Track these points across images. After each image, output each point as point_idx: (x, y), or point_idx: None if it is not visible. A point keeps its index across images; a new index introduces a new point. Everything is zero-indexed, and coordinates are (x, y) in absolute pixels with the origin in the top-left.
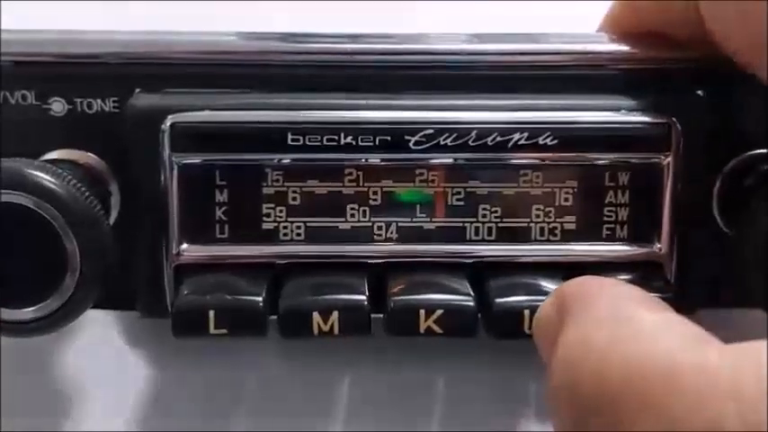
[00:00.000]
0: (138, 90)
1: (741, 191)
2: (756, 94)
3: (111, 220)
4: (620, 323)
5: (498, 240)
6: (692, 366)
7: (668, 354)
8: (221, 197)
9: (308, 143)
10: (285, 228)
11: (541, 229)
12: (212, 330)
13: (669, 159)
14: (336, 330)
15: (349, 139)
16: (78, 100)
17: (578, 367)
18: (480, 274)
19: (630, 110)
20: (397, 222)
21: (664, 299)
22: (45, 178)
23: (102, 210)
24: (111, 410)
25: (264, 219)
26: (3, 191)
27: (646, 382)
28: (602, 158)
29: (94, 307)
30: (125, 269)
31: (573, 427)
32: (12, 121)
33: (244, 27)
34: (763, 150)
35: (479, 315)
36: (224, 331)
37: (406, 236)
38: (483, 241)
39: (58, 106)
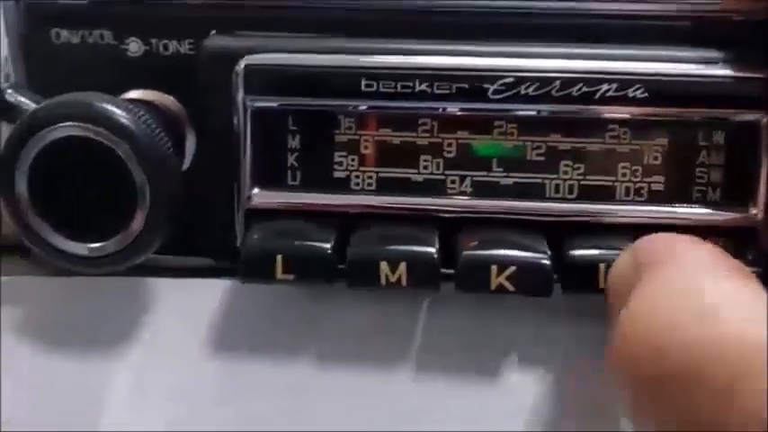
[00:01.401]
0: (213, 32)
1: None
2: None
3: (187, 162)
4: (689, 295)
5: (580, 199)
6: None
7: (734, 332)
8: (293, 143)
9: (381, 89)
10: (357, 177)
11: (627, 188)
12: (279, 275)
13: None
14: (404, 282)
15: (424, 87)
16: (154, 41)
17: (640, 342)
18: (559, 234)
19: (728, 63)
20: (471, 176)
21: (758, 269)
22: (116, 113)
23: (172, 148)
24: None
25: (336, 167)
26: (73, 123)
27: (707, 364)
28: (696, 115)
29: (167, 253)
30: (199, 213)
31: (633, 401)
32: (89, 60)
33: None
34: None
35: (555, 274)
36: (291, 277)
37: (481, 191)
38: (563, 199)
39: (134, 47)
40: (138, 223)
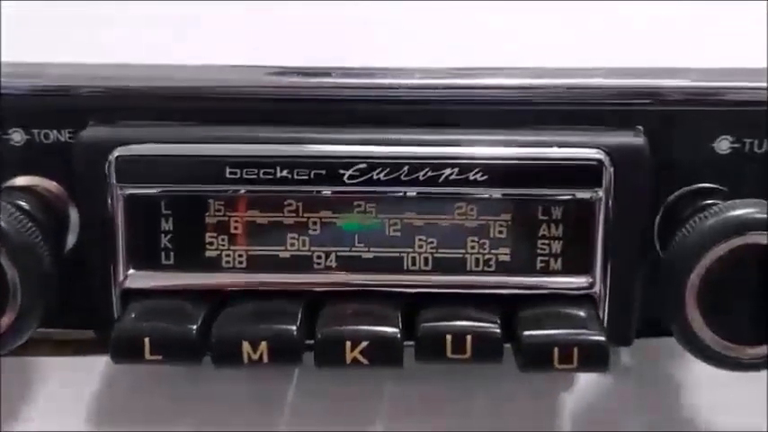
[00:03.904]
0: (91, 122)
1: (678, 223)
2: (697, 129)
3: (71, 242)
4: None
5: (434, 271)
6: None
7: None
8: (166, 225)
9: (245, 176)
10: (228, 255)
11: (477, 260)
12: (148, 356)
13: (601, 194)
14: (266, 359)
15: (285, 173)
16: (36, 131)
17: None
18: (415, 304)
19: (562, 145)
20: (336, 252)
21: (597, 332)
22: None
23: (50, 238)
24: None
25: (207, 247)
26: None
27: None
28: (534, 193)
29: (55, 326)
30: (83, 289)
31: None
32: None
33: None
34: (707, 184)
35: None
36: (159, 357)
37: (345, 265)
38: (419, 272)
39: (17, 136)
40: (8, 318)
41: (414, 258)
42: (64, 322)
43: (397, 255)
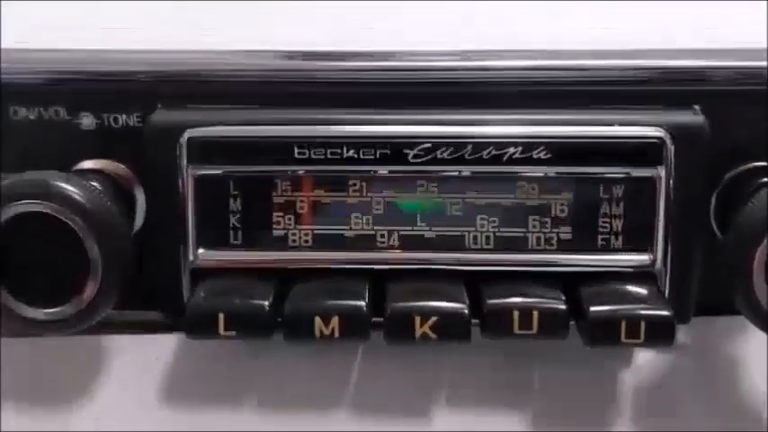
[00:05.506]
0: (159, 106)
1: (739, 200)
2: (753, 109)
3: (138, 224)
4: None
5: (496, 249)
6: None
7: None
8: (235, 206)
9: (313, 156)
10: (294, 234)
11: (538, 238)
12: (222, 332)
13: (662, 172)
14: (337, 334)
15: (351, 153)
16: (105, 115)
17: None
18: (478, 281)
19: (624, 124)
20: (398, 231)
21: (663, 307)
22: (72, 190)
23: (123, 216)
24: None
25: (275, 226)
26: (31, 201)
27: None
28: (596, 172)
29: (120, 308)
30: (151, 270)
31: None
32: (45, 134)
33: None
34: (764, 163)
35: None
36: (233, 333)
37: (408, 244)
38: (481, 250)
39: (87, 121)
40: (90, 291)
41: (475, 237)
42: (130, 304)
43: (459, 234)
